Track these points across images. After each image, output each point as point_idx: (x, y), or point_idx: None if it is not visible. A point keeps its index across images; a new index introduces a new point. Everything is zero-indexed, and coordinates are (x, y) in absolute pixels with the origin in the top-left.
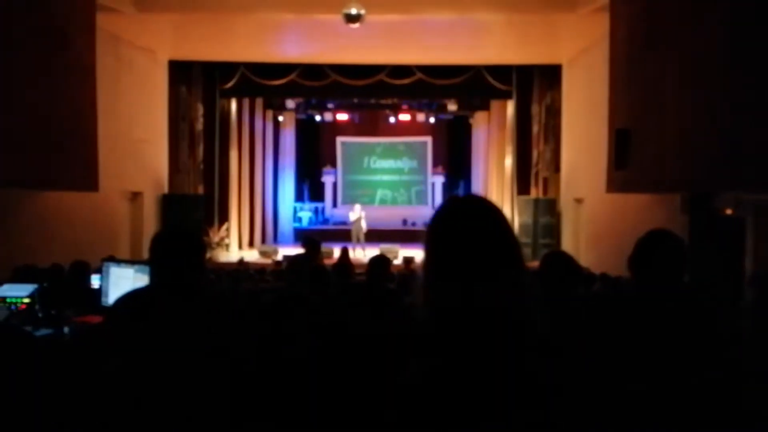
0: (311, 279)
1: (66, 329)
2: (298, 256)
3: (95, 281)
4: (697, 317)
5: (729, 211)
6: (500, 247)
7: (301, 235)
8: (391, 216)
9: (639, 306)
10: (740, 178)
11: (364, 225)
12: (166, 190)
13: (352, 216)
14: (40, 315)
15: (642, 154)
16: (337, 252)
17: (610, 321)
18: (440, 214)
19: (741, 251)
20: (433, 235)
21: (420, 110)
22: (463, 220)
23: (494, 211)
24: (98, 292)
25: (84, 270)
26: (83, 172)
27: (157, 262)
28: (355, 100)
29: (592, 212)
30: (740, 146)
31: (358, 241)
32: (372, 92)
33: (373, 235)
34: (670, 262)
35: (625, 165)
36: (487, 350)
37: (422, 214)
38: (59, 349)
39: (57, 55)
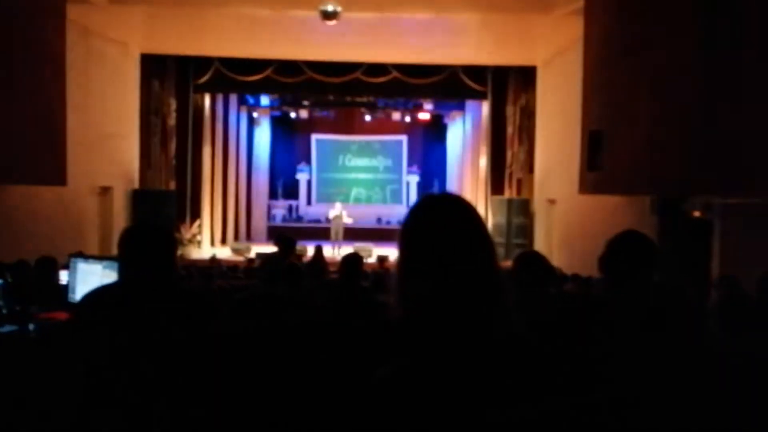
0: (284, 277)
1: (31, 326)
2: (272, 255)
3: (63, 277)
4: (666, 315)
5: (697, 214)
6: (474, 245)
7: (275, 233)
8: (366, 214)
9: (608, 304)
10: (709, 182)
11: (344, 222)
12: (136, 185)
13: (332, 213)
14: (4, 311)
15: (614, 157)
16: (311, 250)
17: (581, 319)
18: (414, 212)
19: (708, 253)
20: (406, 232)
21: (395, 109)
22: (437, 217)
23: (468, 210)
24: (65, 288)
25: (51, 265)
26: (51, 166)
27: (126, 258)
28: (331, 98)
29: (564, 213)
30: (710, 150)
31: (337, 239)
32: (348, 90)
33: (348, 234)
34: (638, 262)
35: (598, 167)
36: (459, 348)
37: (397, 212)
38: (24, 345)
39: (23, 42)
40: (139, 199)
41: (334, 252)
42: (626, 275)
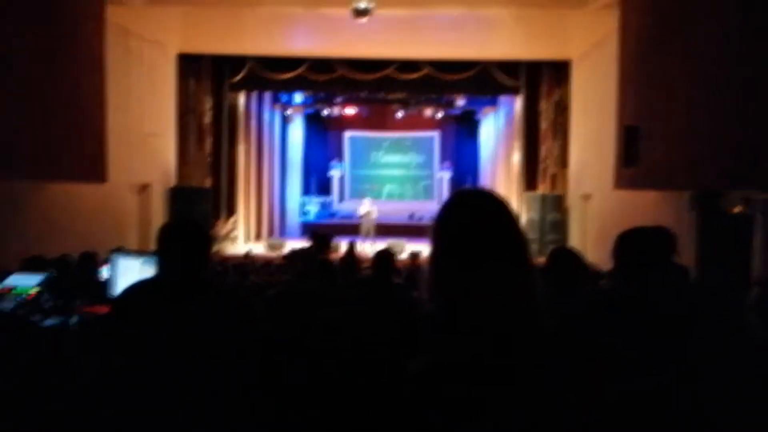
0: (317, 273)
1: (73, 319)
2: (302, 250)
3: (105, 272)
4: (696, 313)
5: (737, 209)
6: (506, 240)
7: (309, 229)
8: (398, 211)
9: (620, 300)
10: (749, 177)
11: (374, 218)
12: (174, 182)
13: (362, 210)
14: (47, 305)
15: (650, 151)
16: (343, 246)
17: (612, 315)
18: (447, 207)
19: (748, 249)
20: (439, 227)
21: (428, 105)
22: (469, 213)
23: (501, 205)
24: (107, 283)
25: (92, 261)
26: (92, 164)
27: (163, 253)
28: (363, 95)
29: (599, 209)
30: (750, 144)
31: (368, 235)
32: (380, 87)
33: (380, 230)
34: (649, 257)
35: (634, 162)
36: (491, 343)
37: (429, 209)
38: (66, 339)
39: (65, 44)
40: (177, 196)
41: (364, 248)
42: (636, 271)
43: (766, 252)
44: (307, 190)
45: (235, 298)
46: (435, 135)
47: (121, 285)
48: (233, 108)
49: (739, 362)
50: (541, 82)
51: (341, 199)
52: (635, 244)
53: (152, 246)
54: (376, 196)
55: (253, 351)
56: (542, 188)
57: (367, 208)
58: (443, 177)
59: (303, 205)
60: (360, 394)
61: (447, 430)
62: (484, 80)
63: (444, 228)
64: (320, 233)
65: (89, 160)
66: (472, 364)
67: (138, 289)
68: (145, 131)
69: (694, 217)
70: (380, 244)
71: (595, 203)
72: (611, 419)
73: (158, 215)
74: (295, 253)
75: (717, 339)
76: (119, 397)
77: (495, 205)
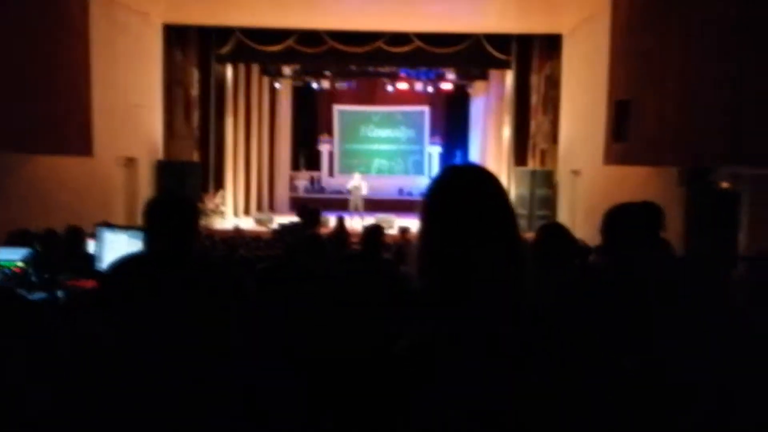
0: (306, 248)
1: (60, 293)
2: (292, 225)
3: (91, 246)
4: (680, 288)
5: (725, 185)
6: (496, 216)
7: (298, 204)
8: (388, 186)
9: (607, 276)
10: (739, 153)
11: (363, 193)
12: (161, 156)
13: (351, 184)
14: (33, 279)
15: (641, 127)
16: (332, 221)
17: (602, 291)
18: (437, 183)
19: (736, 225)
20: (429, 203)
21: (418, 79)
22: (460, 188)
23: (491, 181)
24: (93, 257)
25: (78, 235)
26: (77, 137)
27: (150, 228)
28: (353, 68)
29: (589, 184)
30: (740, 120)
31: (357, 209)
32: (370, 60)
33: (370, 205)
34: (624, 234)
35: (624, 137)
36: (480, 319)
37: (419, 184)
38: (53, 312)
39: (48, 15)
40: (164, 169)
41: (353, 222)
42: (622, 246)
43: (752, 227)
44: (295, 165)
45: (224, 271)
46: (425, 109)
47: (107, 259)
48: (221, 80)
49: (722, 334)
50: (532, 57)
51: (330, 173)
52: (622, 221)
53: (139, 220)
54: (366, 170)
55: (242, 324)
56: (532, 163)
57: (356, 182)
58: (433, 152)
59: (292, 179)
60: (348, 369)
61: (436, 406)
62: (475, 54)
63: (434, 203)
64: (309, 208)
65: (75, 133)
66: (460, 339)
67: (125, 263)
68: (132, 103)
69: (682, 193)
70: (369, 219)
71: (585, 179)
72: (598, 394)
73: (145, 189)
74: (284, 228)
75: (701, 312)
76: (109, 371)
77: (485, 180)
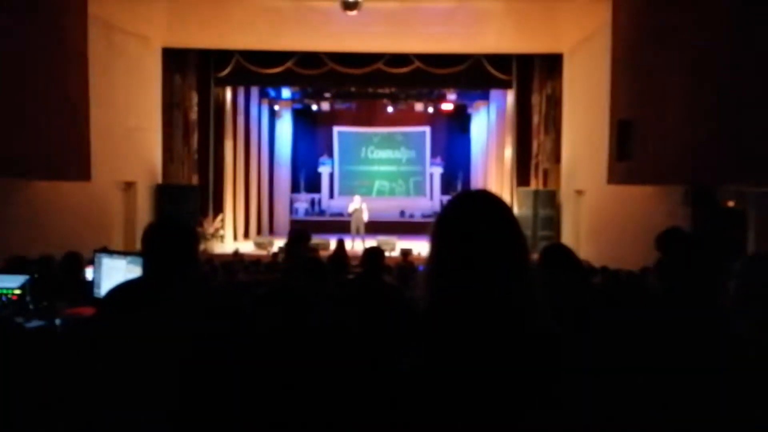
0: (307, 271)
1: (58, 321)
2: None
3: (89, 273)
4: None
5: (731, 204)
6: (506, 241)
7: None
8: (389, 207)
9: (669, 312)
10: (743, 171)
11: (365, 217)
12: (160, 180)
13: (352, 207)
14: (31, 307)
15: (644, 146)
16: (333, 244)
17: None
18: (449, 207)
19: (742, 244)
20: (440, 227)
21: (418, 100)
22: (471, 213)
23: (502, 207)
24: (91, 284)
25: (76, 261)
26: (75, 161)
27: (149, 253)
28: (353, 89)
29: (592, 204)
30: (744, 138)
31: (358, 232)
32: (369, 81)
33: (371, 227)
34: (703, 271)
35: (627, 156)
36: (487, 342)
37: (420, 205)
38: (50, 341)
39: (46, 38)
40: (163, 193)
41: (354, 245)
42: (689, 284)
43: (758, 245)
44: (296, 187)
45: (224, 296)
46: (426, 130)
47: (105, 286)
48: (220, 103)
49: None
50: (533, 76)
51: (331, 195)
52: (700, 257)
53: (138, 246)
54: (367, 192)
55: (239, 350)
56: (534, 184)
57: (356, 205)
58: (434, 173)
59: (292, 202)
60: (351, 393)
61: (439, 429)
62: (476, 74)
63: (445, 228)
64: (297, 228)
65: (73, 158)
66: (464, 363)
67: (124, 290)
68: (130, 127)
69: (688, 212)
70: (370, 242)
71: (588, 198)
72: (604, 418)
73: (144, 213)
74: (280, 250)
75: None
76: (106, 400)
77: (496, 207)
